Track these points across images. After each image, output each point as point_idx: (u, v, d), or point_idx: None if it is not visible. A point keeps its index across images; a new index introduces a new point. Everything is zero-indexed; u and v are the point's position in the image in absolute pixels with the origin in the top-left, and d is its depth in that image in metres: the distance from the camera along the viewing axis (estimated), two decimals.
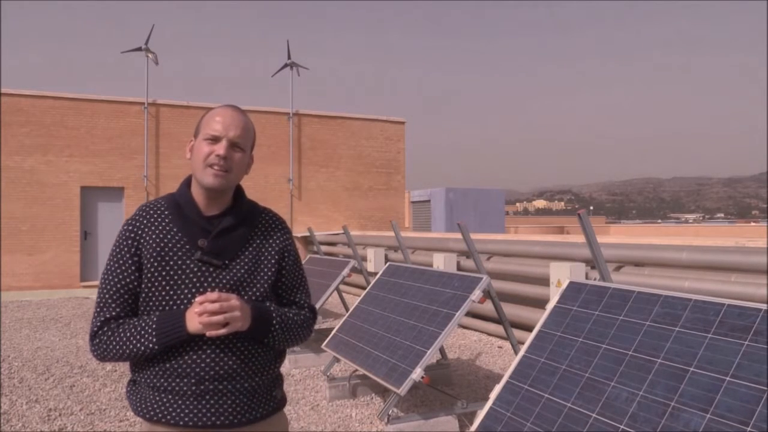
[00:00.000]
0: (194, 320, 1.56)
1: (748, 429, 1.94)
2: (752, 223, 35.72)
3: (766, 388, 1.99)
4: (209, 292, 1.56)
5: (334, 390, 5.14)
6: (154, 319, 1.61)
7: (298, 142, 15.80)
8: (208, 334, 1.56)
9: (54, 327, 8.83)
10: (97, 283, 13.77)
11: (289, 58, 16.09)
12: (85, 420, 4.64)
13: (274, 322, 1.69)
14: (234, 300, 1.57)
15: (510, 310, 7.31)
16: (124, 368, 6.20)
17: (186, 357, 1.61)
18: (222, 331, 1.55)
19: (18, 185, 13.16)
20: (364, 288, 12.24)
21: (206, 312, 1.54)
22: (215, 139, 1.66)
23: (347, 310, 8.02)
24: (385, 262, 10.28)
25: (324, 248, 13.65)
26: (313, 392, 5.39)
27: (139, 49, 14.79)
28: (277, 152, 15.47)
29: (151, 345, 1.59)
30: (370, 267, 10.29)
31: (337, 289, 7.29)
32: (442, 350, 5.89)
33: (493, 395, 2.80)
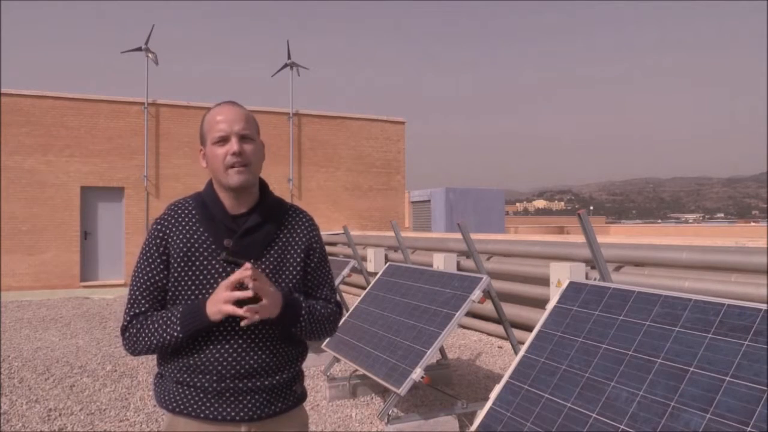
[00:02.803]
0: (214, 306, 1.59)
1: (748, 429, 1.94)
2: (752, 223, 35.72)
3: (766, 388, 1.99)
4: (244, 271, 1.56)
5: (334, 390, 5.14)
6: (180, 308, 1.65)
7: (298, 142, 15.80)
8: (242, 323, 1.58)
9: (54, 327, 8.83)
10: (96, 283, 13.78)
11: (289, 58, 16.09)
12: (85, 420, 4.64)
13: (303, 312, 1.72)
14: (269, 286, 1.61)
15: (510, 310, 7.31)
16: (123, 368, 6.20)
17: (208, 354, 1.66)
18: (255, 317, 1.57)
19: (18, 185, 13.16)
20: (364, 288, 12.24)
21: (232, 299, 1.56)
22: (224, 140, 1.67)
23: (347, 310, 8.02)
24: (385, 262, 10.28)
25: None
26: (313, 392, 5.39)
27: (139, 49, 14.80)
28: (277, 152, 15.47)
29: (176, 334, 1.62)
30: (370, 267, 10.29)
31: (337, 289, 7.29)
32: (442, 350, 5.89)
33: (493, 395, 2.80)
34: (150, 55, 14.70)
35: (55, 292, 13.22)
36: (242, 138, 1.68)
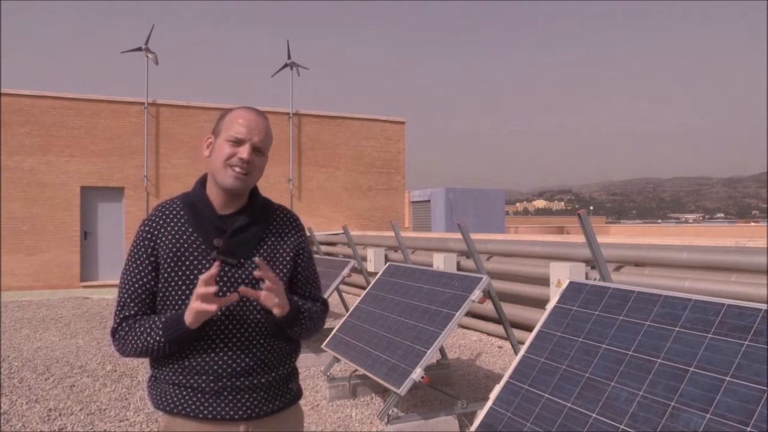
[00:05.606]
0: (190, 311, 1.57)
1: (748, 429, 1.94)
2: (752, 223, 35.71)
3: (766, 388, 1.99)
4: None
5: (334, 390, 5.14)
6: (165, 315, 1.66)
7: (298, 142, 15.80)
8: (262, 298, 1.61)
9: (54, 327, 8.83)
10: (96, 283, 13.78)
11: (289, 58, 16.09)
12: (85, 420, 4.64)
13: (303, 310, 1.76)
14: (281, 284, 1.64)
15: (510, 310, 7.31)
16: (123, 368, 6.20)
17: (204, 355, 1.66)
18: (273, 300, 1.61)
19: (18, 185, 13.16)
20: (364, 288, 12.24)
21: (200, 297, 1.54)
22: (239, 142, 1.68)
23: (347, 310, 8.02)
24: (385, 262, 10.28)
25: (324, 248, 13.65)
26: (313, 392, 5.39)
27: (139, 49, 14.79)
28: (277, 152, 15.47)
29: (158, 339, 1.63)
30: (370, 267, 10.29)
31: (337, 289, 7.29)
32: (442, 350, 5.89)
33: (493, 395, 2.80)
34: (150, 55, 14.70)
35: (55, 292, 13.22)
36: (255, 149, 1.70)
